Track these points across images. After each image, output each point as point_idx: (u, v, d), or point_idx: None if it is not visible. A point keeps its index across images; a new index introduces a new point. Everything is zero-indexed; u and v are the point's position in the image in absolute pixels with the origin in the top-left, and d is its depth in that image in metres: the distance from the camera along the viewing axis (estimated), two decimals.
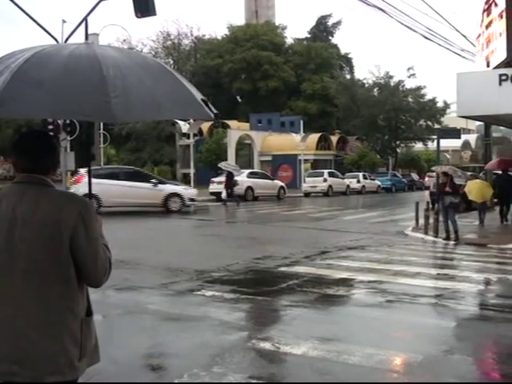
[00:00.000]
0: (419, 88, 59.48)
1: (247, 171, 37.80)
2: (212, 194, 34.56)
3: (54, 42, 22.60)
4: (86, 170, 26.24)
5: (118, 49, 3.17)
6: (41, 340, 2.68)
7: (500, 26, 18.86)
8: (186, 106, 2.97)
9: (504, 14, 18.34)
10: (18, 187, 2.78)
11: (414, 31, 24.91)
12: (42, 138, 2.87)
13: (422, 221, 18.77)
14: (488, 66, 20.22)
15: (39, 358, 2.68)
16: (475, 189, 20.26)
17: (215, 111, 3.06)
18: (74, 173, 28.11)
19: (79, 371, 2.80)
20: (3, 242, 2.70)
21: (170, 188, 26.18)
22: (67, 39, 22.69)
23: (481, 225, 20.25)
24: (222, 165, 34.95)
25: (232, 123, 58.61)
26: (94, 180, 18.52)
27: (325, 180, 42.32)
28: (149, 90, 2.78)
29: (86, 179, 23.13)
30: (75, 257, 2.72)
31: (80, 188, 22.36)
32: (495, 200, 22.51)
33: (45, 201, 2.74)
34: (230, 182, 31.98)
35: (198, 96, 2.98)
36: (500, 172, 22.73)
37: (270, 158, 55.65)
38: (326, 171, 44.55)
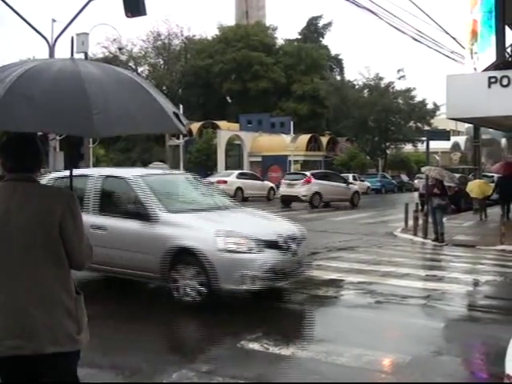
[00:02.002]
0: (409, 90, 59.61)
1: (237, 172, 37.75)
2: None
3: (44, 42, 22.53)
4: (311, 172, 32.78)
5: (97, 65, 3.38)
6: (40, 316, 3.00)
7: None
8: (157, 121, 3.15)
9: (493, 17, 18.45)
10: (9, 184, 3.10)
11: (404, 33, 24.97)
12: (29, 140, 3.18)
13: (411, 222, 18.83)
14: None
15: (40, 332, 3.00)
16: (475, 187, 22.41)
17: (185, 122, 3.31)
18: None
19: (79, 344, 3.14)
20: (0, 231, 3.02)
21: (354, 187, 34.20)
22: (57, 39, 22.61)
23: (485, 219, 22.23)
24: (151, 166, 36.21)
25: (222, 124, 58.56)
26: (316, 181, 26.95)
27: None
28: (125, 106, 2.97)
29: (315, 180, 30.53)
30: (63, 242, 3.07)
31: (312, 187, 29.94)
32: (487, 200, 23.39)
33: (35, 193, 3.09)
34: None
35: (170, 109, 3.15)
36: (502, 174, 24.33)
37: (259, 159, 55.61)
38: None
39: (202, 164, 49.47)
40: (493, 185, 24.49)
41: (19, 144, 3.14)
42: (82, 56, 24.40)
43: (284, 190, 31.37)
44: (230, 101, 74.27)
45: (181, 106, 43.38)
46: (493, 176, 32.72)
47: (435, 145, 39.68)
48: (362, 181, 49.31)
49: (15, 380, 3.12)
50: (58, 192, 3.21)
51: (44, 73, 2.93)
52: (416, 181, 44.61)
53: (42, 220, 3.01)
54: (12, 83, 2.81)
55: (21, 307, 2.99)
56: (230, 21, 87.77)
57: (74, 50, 25.58)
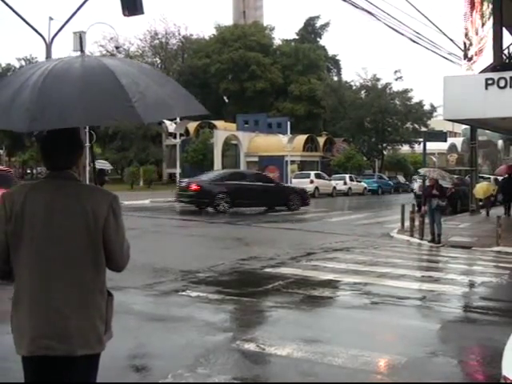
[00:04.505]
0: (406, 91, 59.72)
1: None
2: None
3: (41, 40, 22.50)
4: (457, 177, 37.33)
5: (115, 58, 3.53)
6: (75, 318, 3.00)
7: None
8: (186, 104, 3.30)
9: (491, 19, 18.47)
10: (52, 182, 3.09)
11: (402, 34, 24.93)
12: (71, 135, 3.13)
13: (407, 223, 18.84)
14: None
15: (73, 334, 3.00)
16: (480, 188, 25.48)
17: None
18: None
19: (104, 345, 3.16)
20: (43, 230, 2.99)
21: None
22: (54, 37, 22.58)
23: (487, 217, 24.03)
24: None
25: (219, 123, 58.54)
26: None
27: (311, 181, 42.35)
28: (156, 93, 3.04)
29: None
30: (105, 243, 3.06)
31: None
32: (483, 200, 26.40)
33: (79, 193, 3.07)
34: (102, 179, 34.91)
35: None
36: (506, 176, 27.19)
37: (256, 159, 55.59)
38: (312, 173, 44.61)
39: (198, 164, 49.42)
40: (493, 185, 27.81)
41: (63, 139, 3.10)
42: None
43: None
44: (226, 101, 74.31)
45: None
46: (489, 178, 33.43)
47: (432, 146, 39.87)
48: (359, 182, 49.36)
49: (40, 380, 3.11)
50: (101, 193, 3.16)
51: (69, 70, 2.95)
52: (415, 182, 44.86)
53: (85, 221, 3.00)
54: (41, 84, 2.84)
55: (57, 308, 2.99)
56: (228, 21, 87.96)
57: (71, 48, 25.58)
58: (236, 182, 26.12)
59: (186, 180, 27.69)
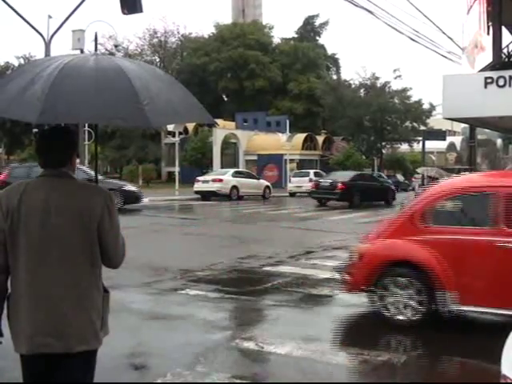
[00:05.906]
0: (405, 89, 59.65)
1: (232, 170, 37.73)
2: (197, 192, 34.46)
3: (41, 39, 22.48)
4: None
5: (130, 60, 3.60)
6: (72, 315, 3.03)
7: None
8: (195, 112, 3.43)
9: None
10: (47, 180, 3.10)
11: (401, 33, 24.97)
12: (65, 134, 3.18)
13: None
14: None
15: (70, 331, 3.03)
16: None
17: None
18: None
19: (101, 341, 3.19)
20: (38, 229, 3.01)
21: None
22: (53, 35, 22.56)
23: None
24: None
25: (217, 122, 58.45)
26: None
27: (310, 180, 42.28)
28: (167, 98, 3.14)
29: None
30: (100, 241, 3.10)
31: None
32: None
33: (74, 192, 3.10)
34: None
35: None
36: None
37: (255, 158, 55.57)
38: (311, 171, 44.54)
39: (197, 162, 49.41)
40: None
41: (57, 138, 3.13)
42: (77, 53, 24.35)
43: None
44: (225, 99, 74.22)
45: None
46: None
47: (431, 145, 39.96)
48: None
49: (39, 378, 3.12)
50: (97, 191, 3.19)
51: (83, 68, 3.01)
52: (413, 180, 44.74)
53: (81, 220, 3.03)
54: (55, 78, 2.87)
55: (54, 306, 3.01)
56: (227, 19, 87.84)
57: (70, 47, 25.57)
58: (362, 182, 32.34)
59: (328, 180, 32.51)
